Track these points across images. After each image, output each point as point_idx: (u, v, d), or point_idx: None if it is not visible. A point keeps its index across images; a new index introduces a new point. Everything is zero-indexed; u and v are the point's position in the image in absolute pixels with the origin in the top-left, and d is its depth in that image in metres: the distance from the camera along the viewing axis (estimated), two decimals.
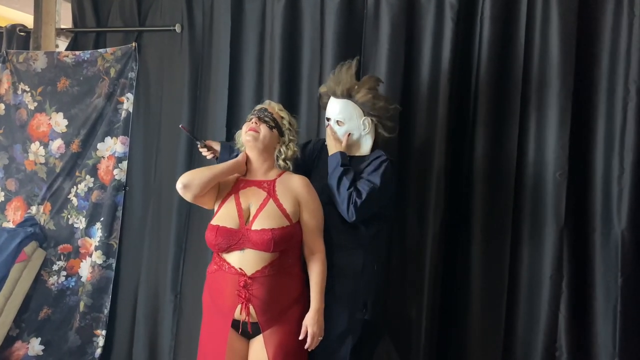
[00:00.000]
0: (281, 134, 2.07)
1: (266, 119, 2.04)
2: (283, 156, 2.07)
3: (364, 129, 2.15)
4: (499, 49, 2.42)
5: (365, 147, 2.17)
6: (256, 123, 2.03)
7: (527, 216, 2.40)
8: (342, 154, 2.10)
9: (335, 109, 2.15)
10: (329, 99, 2.20)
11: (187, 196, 1.99)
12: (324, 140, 2.27)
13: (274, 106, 2.12)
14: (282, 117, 2.09)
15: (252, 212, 1.97)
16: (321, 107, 2.34)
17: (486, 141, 2.43)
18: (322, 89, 2.25)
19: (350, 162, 2.13)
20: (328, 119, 2.19)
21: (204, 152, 2.37)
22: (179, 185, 1.98)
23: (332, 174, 2.08)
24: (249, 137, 2.02)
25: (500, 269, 2.41)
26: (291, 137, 2.09)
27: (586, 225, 2.37)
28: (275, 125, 2.05)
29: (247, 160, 2.09)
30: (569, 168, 2.33)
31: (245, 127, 2.05)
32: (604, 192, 2.33)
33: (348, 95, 2.13)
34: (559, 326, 2.36)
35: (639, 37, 2.25)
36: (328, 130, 2.18)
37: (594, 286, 2.35)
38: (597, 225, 2.34)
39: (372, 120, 2.15)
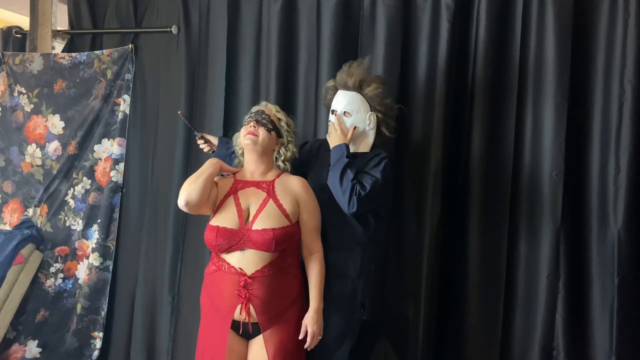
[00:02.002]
0: (279, 135, 2.08)
1: (264, 121, 2.05)
2: (282, 157, 2.09)
3: (369, 124, 2.15)
4: (495, 49, 2.43)
5: (367, 143, 2.17)
6: (254, 127, 2.04)
7: (524, 216, 2.40)
8: (347, 146, 2.09)
9: (344, 100, 2.15)
10: (334, 94, 2.21)
11: (193, 209, 1.97)
12: (322, 141, 2.27)
13: (270, 108, 2.13)
14: (279, 119, 2.11)
15: (252, 212, 1.98)
16: (324, 104, 2.33)
17: (482, 141, 2.43)
18: (330, 83, 2.26)
19: (353, 157, 2.12)
20: (333, 111, 2.18)
21: (201, 143, 2.39)
22: (181, 203, 1.96)
23: (335, 164, 2.05)
24: (248, 140, 2.03)
25: (497, 268, 2.41)
26: (289, 139, 2.11)
27: (583, 224, 2.37)
28: (273, 127, 2.06)
29: (245, 162, 2.10)
30: (565, 168, 2.33)
31: (243, 131, 2.06)
32: (600, 191, 2.34)
33: (359, 87, 2.14)
34: (556, 325, 2.36)
35: (634, 36, 2.26)
36: (335, 121, 2.15)
37: (591, 285, 2.36)
38: (594, 225, 2.35)
39: (377, 116, 2.16)
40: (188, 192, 1.95)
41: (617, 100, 2.30)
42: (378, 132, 2.19)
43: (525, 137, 2.41)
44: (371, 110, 2.15)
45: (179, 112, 2.50)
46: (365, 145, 2.17)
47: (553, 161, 2.34)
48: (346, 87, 2.16)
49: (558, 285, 2.36)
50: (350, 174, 2.01)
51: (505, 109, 2.42)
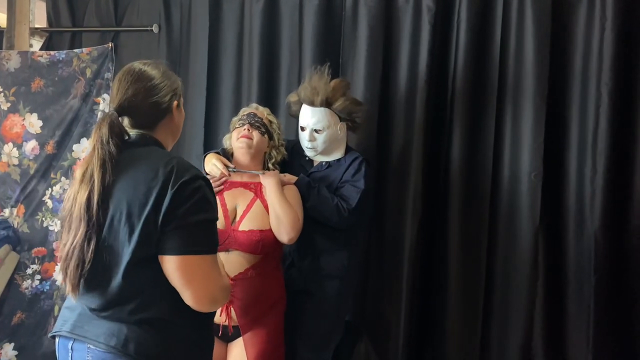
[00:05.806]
0: (271, 137, 2.10)
1: (257, 124, 2.06)
2: (273, 160, 2.12)
3: (340, 134, 2.17)
4: (475, 51, 2.45)
5: (341, 150, 2.20)
6: (248, 130, 2.04)
7: (503, 216, 2.43)
8: (299, 181, 2.09)
9: (313, 118, 2.14)
10: (299, 107, 2.19)
11: None
12: (293, 143, 2.28)
13: (262, 111, 2.14)
14: (270, 122, 2.12)
15: (239, 212, 1.98)
16: (290, 115, 2.31)
17: (463, 143, 2.45)
18: (293, 97, 2.23)
19: (328, 166, 2.19)
20: (303, 128, 2.18)
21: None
22: None
23: (309, 198, 2.06)
24: (243, 144, 2.03)
25: (477, 268, 2.44)
26: (281, 141, 2.14)
27: (560, 225, 2.41)
28: (265, 130, 2.08)
29: (235, 164, 2.10)
30: (543, 169, 2.36)
31: (236, 134, 2.07)
32: (577, 193, 2.38)
33: (327, 104, 2.13)
34: (534, 326, 2.39)
35: (611, 40, 2.30)
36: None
37: (568, 285, 2.39)
38: (571, 225, 2.38)
39: (347, 124, 2.18)
40: None
41: (594, 102, 2.34)
42: (348, 134, 2.21)
43: (504, 139, 2.44)
44: (341, 121, 2.16)
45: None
46: (339, 152, 2.20)
47: (532, 162, 2.37)
48: (313, 105, 2.14)
49: (536, 285, 2.39)
50: (327, 198, 2.04)
51: (485, 110, 2.44)
